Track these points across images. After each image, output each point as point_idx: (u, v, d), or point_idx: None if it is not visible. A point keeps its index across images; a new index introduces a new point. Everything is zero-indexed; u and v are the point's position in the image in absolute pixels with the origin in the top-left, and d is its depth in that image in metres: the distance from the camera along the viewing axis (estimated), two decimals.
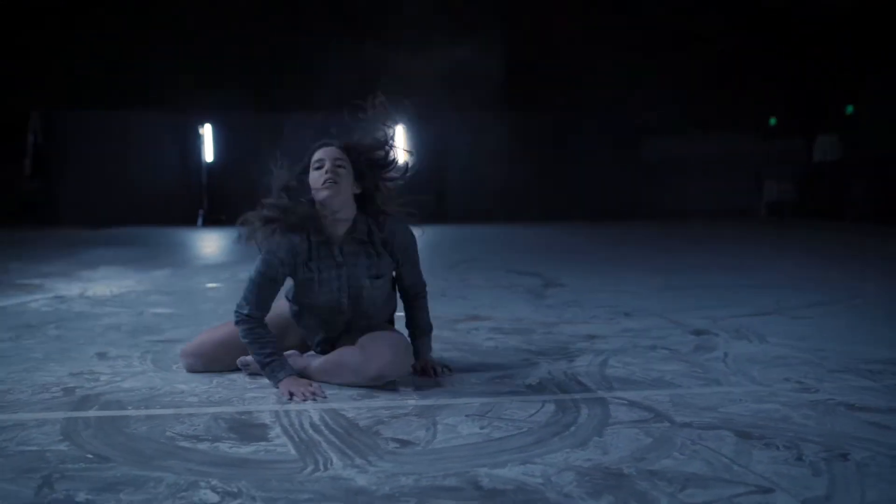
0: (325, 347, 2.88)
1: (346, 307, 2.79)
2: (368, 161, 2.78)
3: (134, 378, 2.91)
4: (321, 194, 2.67)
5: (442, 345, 3.42)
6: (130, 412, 2.45)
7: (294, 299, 2.87)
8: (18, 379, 2.89)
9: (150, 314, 4.48)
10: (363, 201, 2.80)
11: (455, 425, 2.29)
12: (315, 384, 2.61)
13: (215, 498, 1.75)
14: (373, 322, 2.85)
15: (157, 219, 14.34)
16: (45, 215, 15.84)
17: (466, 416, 2.39)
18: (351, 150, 2.77)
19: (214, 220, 14.48)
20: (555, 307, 4.60)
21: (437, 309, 4.20)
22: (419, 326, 2.95)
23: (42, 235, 12.34)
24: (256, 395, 2.65)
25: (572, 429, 2.24)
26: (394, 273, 2.90)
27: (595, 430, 2.22)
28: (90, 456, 2.04)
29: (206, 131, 14.69)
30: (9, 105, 18.50)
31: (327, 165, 2.68)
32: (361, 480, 1.86)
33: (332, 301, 2.77)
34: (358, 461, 1.99)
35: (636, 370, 2.97)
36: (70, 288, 5.56)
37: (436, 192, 14.87)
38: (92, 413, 2.44)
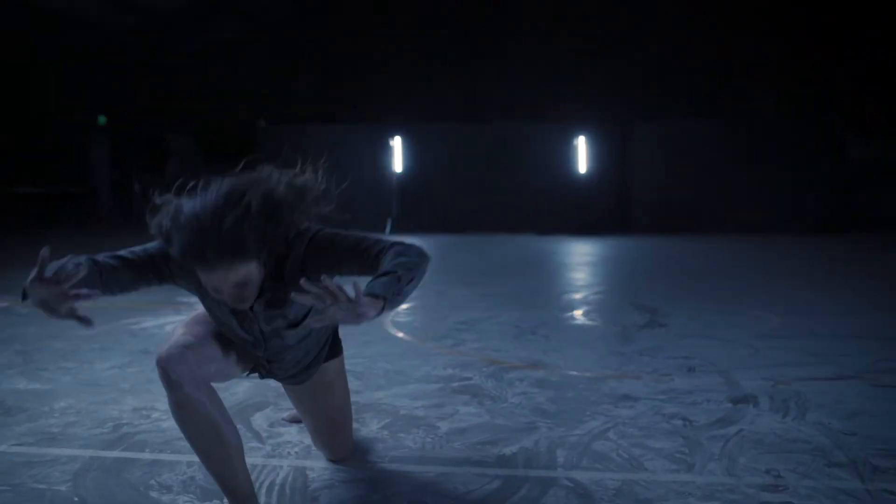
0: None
1: (264, 354, 2.44)
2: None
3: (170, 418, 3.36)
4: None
5: (479, 393, 3.59)
6: (143, 455, 2.87)
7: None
8: (91, 411, 3.45)
9: None
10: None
11: (399, 494, 2.48)
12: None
13: None
14: (308, 362, 2.54)
15: (348, 224, 15.38)
16: None
17: (412, 487, 2.56)
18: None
19: (403, 226, 15.32)
20: (627, 355, 4.56)
21: (510, 350, 4.35)
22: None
23: None
24: (264, 459, 2.98)
25: None
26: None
27: None
28: (76, 499, 2.47)
29: (397, 143, 15.51)
30: (238, 117, 20.69)
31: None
32: None
33: (248, 346, 2.42)
34: None
35: (624, 445, 2.97)
36: None
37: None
38: (112, 454, 2.89)
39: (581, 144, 15.08)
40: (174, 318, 5.71)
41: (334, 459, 2.78)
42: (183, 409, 2.15)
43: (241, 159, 2.30)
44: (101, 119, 22.31)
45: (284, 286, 2.21)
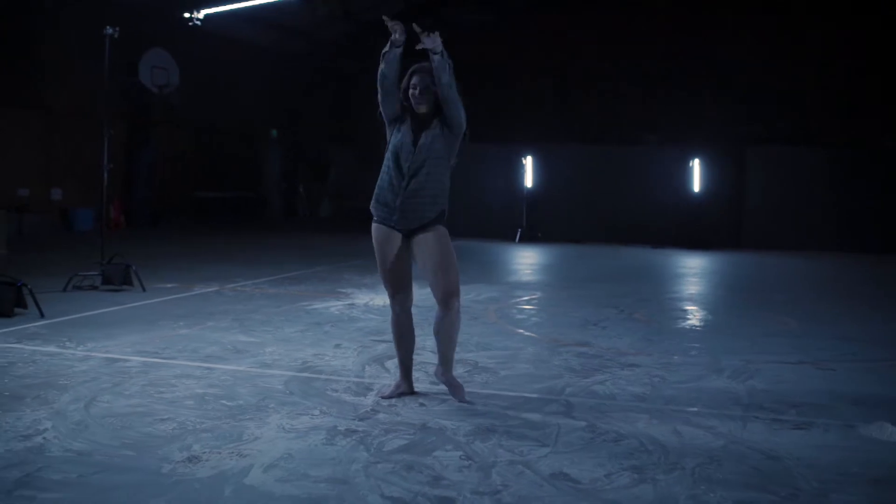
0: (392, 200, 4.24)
1: (403, 193, 4.19)
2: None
3: (336, 360, 5.39)
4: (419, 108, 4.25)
5: (534, 359, 5.43)
6: (320, 376, 4.90)
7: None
8: (288, 353, 5.53)
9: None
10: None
11: (456, 402, 4.38)
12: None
13: None
14: (423, 197, 4.19)
15: (483, 234, 17.42)
16: None
17: (473, 400, 4.45)
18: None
19: (531, 237, 17.16)
20: (652, 342, 6.22)
21: (570, 334, 6.16)
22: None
23: None
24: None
25: (509, 411, 4.20)
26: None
27: (517, 414, 4.16)
28: (288, 392, 4.51)
29: (528, 161, 17.37)
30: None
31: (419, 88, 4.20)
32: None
33: (395, 188, 4.22)
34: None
35: (611, 388, 4.72)
36: (364, 298, 8.35)
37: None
38: (303, 374, 4.94)
39: (696, 166, 16.37)
40: (335, 303, 7.84)
41: (445, 295, 4.23)
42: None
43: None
44: (274, 132, 25.44)
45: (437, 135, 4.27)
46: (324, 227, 20.81)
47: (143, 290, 8.27)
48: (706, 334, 6.58)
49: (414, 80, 4.23)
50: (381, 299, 8.19)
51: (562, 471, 3.32)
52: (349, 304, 7.85)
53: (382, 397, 4.45)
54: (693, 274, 12.13)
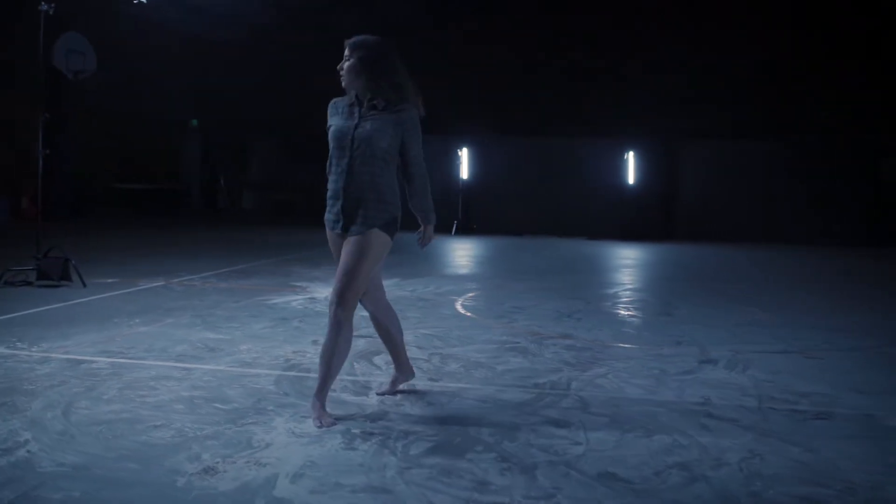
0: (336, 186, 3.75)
1: (350, 141, 3.68)
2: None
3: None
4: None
5: (524, 352, 5.25)
6: (310, 374, 4.60)
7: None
8: (266, 351, 5.21)
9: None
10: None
11: (466, 399, 4.16)
12: None
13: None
14: (366, 191, 3.70)
15: (418, 225, 17.19)
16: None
17: (477, 397, 4.24)
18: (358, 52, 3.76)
19: (467, 228, 17.03)
20: (634, 333, 6.15)
21: (549, 326, 6.01)
22: (420, 210, 3.92)
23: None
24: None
25: (521, 407, 4.02)
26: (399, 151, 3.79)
27: (532, 411, 3.98)
28: (282, 392, 4.21)
29: (464, 154, 17.22)
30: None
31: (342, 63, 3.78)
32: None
33: (344, 129, 3.71)
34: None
35: (615, 381, 4.59)
36: (323, 291, 8.03)
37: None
38: (291, 373, 4.63)
39: (631, 159, 16.55)
40: (294, 297, 7.50)
41: (332, 297, 3.71)
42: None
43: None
44: (194, 122, 24.56)
45: (384, 119, 3.71)
46: (250, 220, 20.19)
47: (84, 285, 7.73)
48: (682, 325, 6.55)
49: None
50: None
51: (607, 470, 3.16)
52: (309, 299, 7.53)
53: (379, 394, 4.20)
54: (641, 265, 12.22)
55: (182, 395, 4.12)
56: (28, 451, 3.25)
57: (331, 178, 3.83)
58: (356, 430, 3.60)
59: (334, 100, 3.94)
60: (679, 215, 16.79)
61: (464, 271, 10.74)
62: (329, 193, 3.85)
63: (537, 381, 4.57)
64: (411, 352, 5.04)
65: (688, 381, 4.63)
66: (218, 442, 3.42)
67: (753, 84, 16.33)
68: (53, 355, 4.94)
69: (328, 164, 3.84)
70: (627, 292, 8.84)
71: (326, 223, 3.88)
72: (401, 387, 4.28)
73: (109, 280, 8.29)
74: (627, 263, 12.32)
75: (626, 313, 7.21)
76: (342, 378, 4.50)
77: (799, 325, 6.70)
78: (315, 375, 4.45)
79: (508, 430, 3.63)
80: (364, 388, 4.36)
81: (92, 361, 4.82)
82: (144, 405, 3.94)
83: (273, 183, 26.07)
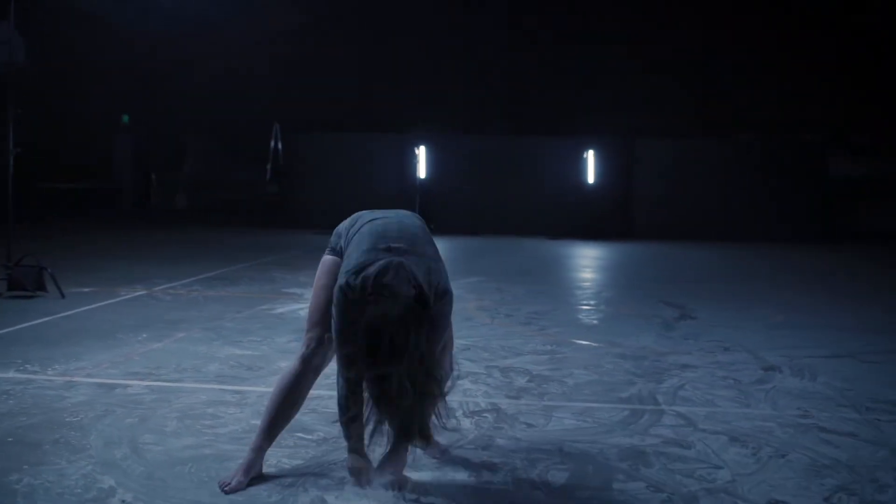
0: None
1: None
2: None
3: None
4: None
5: (582, 363, 5.00)
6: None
7: None
8: (270, 358, 4.79)
9: None
10: None
11: (562, 418, 3.88)
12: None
13: None
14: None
15: None
16: (286, 217, 18.86)
17: (573, 413, 3.97)
18: None
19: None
20: (675, 339, 5.99)
21: (585, 334, 5.78)
22: None
23: (286, 240, 14.97)
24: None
25: (631, 426, 3.77)
26: None
27: (644, 429, 3.73)
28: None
29: (421, 152, 16.88)
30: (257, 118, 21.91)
31: None
32: (508, 444, 3.51)
33: None
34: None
35: (700, 393, 4.39)
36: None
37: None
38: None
39: (590, 157, 16.54)
40: (296, 306, 7.07)
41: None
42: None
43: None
44: (125, 118, 23.44)
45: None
46: (194, 220, 19.36)
47: (63, 296, 7.11)
48: (714, 329, 6.41)
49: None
50: None
51: (774, 498, 2.93)
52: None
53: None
54: (616, 265, 12.15)
55: (253, 424, 3.68)
56: (123, 502, 2.81)
57: None
58: (476, 460, 3.27)
59: None
60: (637, 214, 16.87)
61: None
62: None
63: (620, 396, 4.32)
64: (463, 364, 4.77)
65: (770, 391, 4.46)
66: (332, 480, 3.04)
67: (711, 83, 16.56)
68: (77, 379, 4.43)
69: None
70: (631, 293, 8.69)
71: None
72: (481, 405, 3.97)
73: (85, 289, 7.66)
74: (603, 264, 12.24)
75: (649, 316, 7.04)
76: None
77: (820, 326, 6.65)
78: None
79: (635, 454, 3.37)
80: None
81: (125, 385, 4.33)
82: (219, 437, 3.52)
83: (209, 182, 25.16)
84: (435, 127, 16.82)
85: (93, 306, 6.81)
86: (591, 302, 7.87)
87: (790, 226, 16.30)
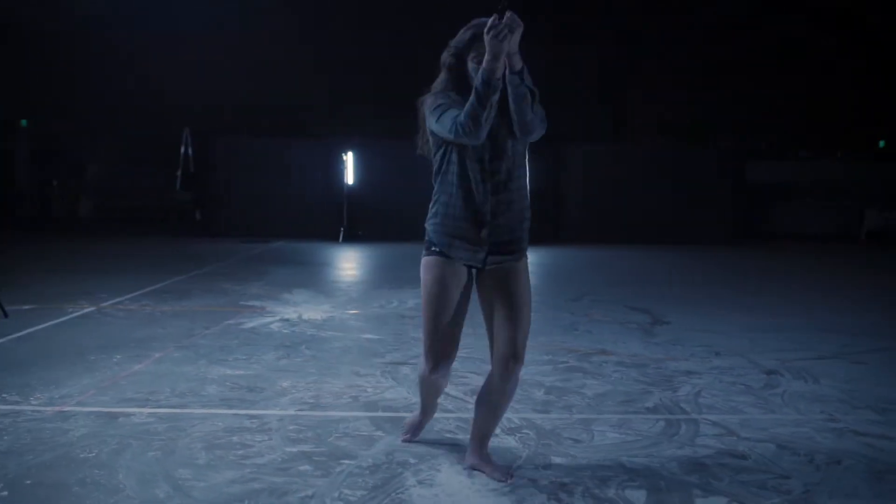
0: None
1: (490, 210, 3.05)
2: None
3: (390, 392, 4.53)
4: None
5: (587, 372, 4.95)
6: (387, 414, 4.06)
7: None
8: (314, 387, 4.57)
9: (364, 339, 6.15)
10: None
11: (603, 431, 3.81)
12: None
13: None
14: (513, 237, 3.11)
15: (302, 234, 16.40)
16: (200, 225, 18.20)
17: (610, 426, 3.90)
18: None
19: (353, 235, 16.43)
20: (662, 345, 6.03)
21: (573, 342, 5.73)
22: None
23: (212, 249, 14.41)
24: None
25: (675, 437, 3.73)
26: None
27: (689, 439, 3.70)
28: (349, 417, 3.66)
29: (349, 158, 16.59)
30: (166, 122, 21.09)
31: None
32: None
33: (481, 203, 3.05)
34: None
35: (719, 400, 4.41)
36: (286, 311, 7.31)
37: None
38: (377, 414, 4.07)
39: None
40: (265, 319, 6.77)
41: (514, 354, 3.11)
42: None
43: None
44: (24, 122, 22.14)
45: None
46: (101, 229, 18.44)
47: (6, 315, 6.56)
48: (692, 333, 6.50)
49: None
50: (312, 312, 7.26)
51: None
52: (283, 320, 6.82)
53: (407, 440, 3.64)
54: (568, 270, 12.24)
55: (289, 452, 3.47)
56: None
57: (459, 192, 3.13)
58: (545, 481, 3.16)
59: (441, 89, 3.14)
60: (564, 219, 17.10)
61: (411, 284, 10.24)
62: (457, 212, 3.14)
63: (645, 406, 4.29)
64: (469, 378, 4.68)
65: (785, 396, 4.53)
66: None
67: (637, 87, 16.94)
68: (68, 408, 4.06)
69: (444, 173, 3.21)
70: (595, 300, 8.72)
71: (448, 251, 3.14)
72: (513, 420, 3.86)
73: (25, 307, 7.10)
74: (553, 271, 12.30)
75: (623, 322, 7.08)
76: (445, 415, 4.00)
77: (801, 328, 6.86)
78: (405, 413, 3.98)
79: (697, 466, 3.33)
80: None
81: (128, 414, 4.00)
82: (261, 469, 3.27)
83: (114, 189, 24.06)
84: (362, 132, 16.59)
85: (44, 325, 6.31)
86: (558, 307, 7.86)
87: (710, 228, 16.86)
